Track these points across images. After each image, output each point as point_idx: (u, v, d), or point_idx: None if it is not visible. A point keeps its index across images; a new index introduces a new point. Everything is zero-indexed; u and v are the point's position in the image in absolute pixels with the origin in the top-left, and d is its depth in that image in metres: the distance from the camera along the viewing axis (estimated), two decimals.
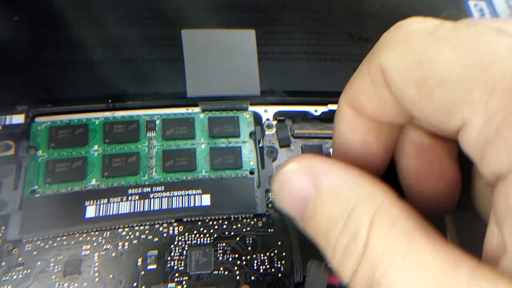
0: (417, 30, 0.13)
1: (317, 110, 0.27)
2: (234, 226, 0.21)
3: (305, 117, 0.26)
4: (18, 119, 0.25)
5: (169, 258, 0.20)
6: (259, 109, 0.26)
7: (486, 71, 0.11)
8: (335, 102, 0.27)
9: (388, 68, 0.13)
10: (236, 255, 0.21)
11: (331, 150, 0.16)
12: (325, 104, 0.27)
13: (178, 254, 0.20)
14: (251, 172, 0.23)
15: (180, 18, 0.29)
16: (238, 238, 0.21)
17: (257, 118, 0.25)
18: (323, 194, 0.13)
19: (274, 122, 0.25)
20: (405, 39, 0.13)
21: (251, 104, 0.26)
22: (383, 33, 0.14)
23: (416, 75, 0.12)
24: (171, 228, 0.21)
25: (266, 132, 0.25)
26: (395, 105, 0.13)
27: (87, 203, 0.21)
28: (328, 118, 0.26)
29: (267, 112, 0.26)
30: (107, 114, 0.25)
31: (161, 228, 0.21)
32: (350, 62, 0.29)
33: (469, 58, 0.11)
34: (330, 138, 0.25)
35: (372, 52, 0.14)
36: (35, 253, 0.20)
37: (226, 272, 0.20)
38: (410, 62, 0.12)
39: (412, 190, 0.16)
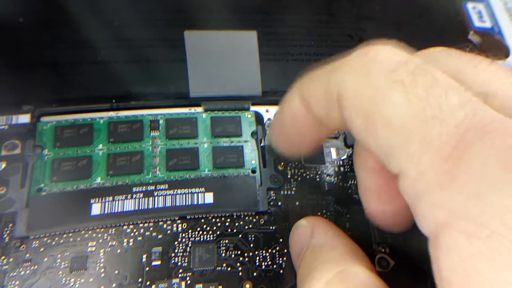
0: (381, 64, 0.13)
1: None
2: (236, 224, 0.22)
3: None
4: (24, 118, 0.25)
5: (173, 255, 0.21)
6: (261, 109, 0.26)
7: (426, 126, 0.11)
8: None
9: (344, 93, 0.13)
10: (239, 252, 0.21)
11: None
12: None
13: (182, 250, 0.21)
14: (253, 171, 0.24)
15: (183, 19, 0.30)
16: (240, 235, 0.22)
17: (258, 118, 0.26)
18: (308, 250, 0.17)
19: None
20: (367, 70, 0.13)
21: (253, 104, 0.26)
22: (354, 52, 0.14)
23: (367, 109, 0.12)
24: (175, 225, 0.22)
25: (268, 132, 0.25)
26: (341, 120, 0.14)
27: (92, 200, 0.22)
28: None
29: (269, 112, 0.26)
30: (112, 113, 0.26)
31: (165, 226, 0.22)
32: None
33: (415, 108, 0.11)
34: (330, 137, 0.26)
35: (336, 68, 0.14)
36: (42, 249, 0.20)
37: (229, 269, 0.21)
38: (365, 94, 0.13)
39: (369, 204, 0.17)
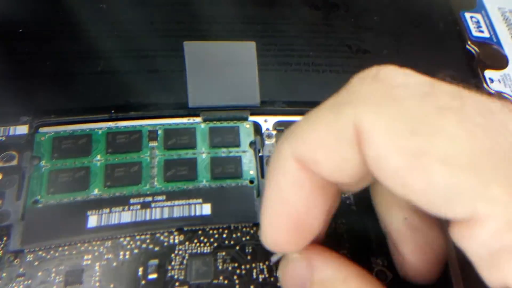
0: (405, 88, 0.11)
1: None
2: (234, 235, 0.22)
3: None
4: (22, 129, 0.25)
5: (169, 267, 0.20)
6: (259, 119, 0.26)
7: (505, 163, 0.09)
8: None
9: (369, 130, 0.11)
10: (236, 264, 0.21)
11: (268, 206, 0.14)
12: None
13: (178, 263, 0.21)
14: (251, 181, 0.23)
15: (183, 30, 0.30)
16: (238, 247, 0.21)
17: (257, 128, 0.26)
18: (314, 285, 0.14)
19: (274, 132, 0.26)
20: (392, 97, 0.11)
21: (251, 114, 0.26)
22: (354, 79, 0.12)
23: (409, 146, 0.10)
24: (171, 237, 0.21)
25: (266, 142, 0.25)
26: (360, 168, 0.12)
27: (89, 212, 0.22)
28: None
29: (267, 122, 0.26)
30: (110, 124, 0.25)
31: (162, 237, 0.21)
32: (348, 73, 0.30)
33: (484, 140, 0.10)
34: None
35: (342, 103, 0.12)
36: (36, 263, 0.20)
37: (226, 281, 0.20)
38: (401, 128, 0.10)
39: (405, 253, 0.15)
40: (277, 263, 0.16)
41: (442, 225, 0.15)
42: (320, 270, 0.14)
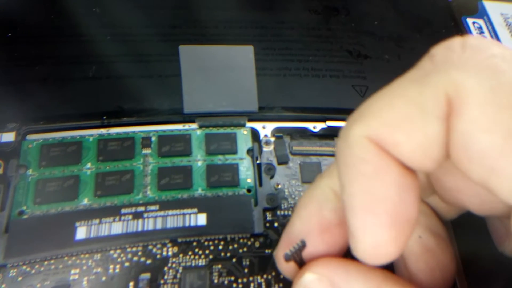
0: (504, 59, 0.10)
1: (315, 126, 0.26)
2: (230, 247, 0.21)
3: (304, 134, 0.26)
4: (9, 137, 0.24)
5: (162, 282, 0.19)
6: (257, 125, 0.25)
7: None
8: (334, 119, 0.27)
9: (467, 98, 0.09)
10: (232, 278, 0.20)
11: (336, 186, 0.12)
12: (324, 120, 0.26)
13: (171, 277, 0.19)
14: (249, 190, 0.22)
15: (178, 34, 0.29)
16: (234, 260, 0.20)
17: (255, 134, 0.25)
18: None
19: (272, 139, 0.25)
20: (492, 66, 0.09)
21: (249, 120, 0.25)
22: (436, 50, 0.11)
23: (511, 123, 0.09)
24: (165, 249, 0.20)
25: (264, 149, 0.24)
26: (444, 147, 0.10)
27: (78, 223, 0.20)
28: (327, 134, 0.26)
29: (265, 129, 0.25)
30: (102, 130, 0.24)
31: (154, 250, 0.20)
32: (348, 78, 0.29)
33: None
34: (329, 155, 0.24)
35: (429, 73, 0.10)
36: (20, 278, 0.19)
37: None
38: (505, 102, 0.09)
39: (405, 268, 0.14)
40: (291, 257, 0.14)
41: (454, 249, 0.14)
42: (348, 285, 0.12)
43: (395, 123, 0.10)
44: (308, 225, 0.14)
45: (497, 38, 0.34)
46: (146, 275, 0.19)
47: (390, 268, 0.13)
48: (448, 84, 0.10)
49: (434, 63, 0.10)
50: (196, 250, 0.20)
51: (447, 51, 0.10)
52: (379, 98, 0.11)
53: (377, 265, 0.11)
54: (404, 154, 0.10)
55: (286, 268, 0.15)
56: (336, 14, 0.33)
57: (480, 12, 0.36)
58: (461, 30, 0.34)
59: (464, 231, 0.17)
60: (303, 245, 0.14)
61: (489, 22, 0.35)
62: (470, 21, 0.35)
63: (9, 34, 0.27)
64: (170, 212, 0.21)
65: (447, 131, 0.10)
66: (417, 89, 0.10)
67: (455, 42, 0.10)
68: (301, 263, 0.14)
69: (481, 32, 0.35)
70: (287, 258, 0.14)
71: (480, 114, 0.09)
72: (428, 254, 0.14)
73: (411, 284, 0.13)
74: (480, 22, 0.35)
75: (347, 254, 0.14)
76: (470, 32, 0.34)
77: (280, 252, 0.14)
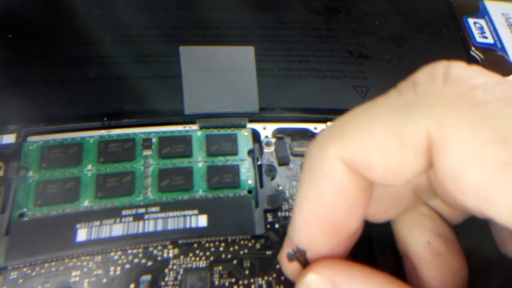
0: (486, 89, 0.10)
1: (316, 127, 0.26)
2: (231, 249, 0.20)
3: (305, 135, 0.25)
4: (9, 139, 0.24)
5: (162, 283, 0.19)
6: (258, 126, 0.25)
7: None
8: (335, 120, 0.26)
9: (448, 138, 0.10)
10: (233, 280, 0.20)
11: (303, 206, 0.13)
12: (324, 121, 0.26)
13: (172, 279, 0.19)
14: (249, 191, 0.22)
15: (178, 35, 0.29)
16: (235, 261, 0.20)
17: (255, 135, 0.25)
18: None
19: (273, 140, 0.25)
20: (474, 100, 0.10)
21: (250, 121, 0.25)
22: (419, 77, 0.11)
23: (498, 156, 0.09)
24: (165, 251, 0.20)
25: (265, 150, 0.24)
26: (418, 172, 0.10)
27: (78, 225, 0.20)
28: None
29: (266, 130, 0.25)
30: (103, 132, 0.24)
31: (155, 251, 0.20)
32: (349, 79, 0.29)
33: None
34: None
35: (410, 104, 0.10)
36: (20, 281, 0.19)
37: None
38: (488, 136, 0.09)
39: (416, 276, 0.14)
40: (293, 256, 0.14)
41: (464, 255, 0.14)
42: (351, 287, 0.12)
43: (373, 150, 0.11)
44: (316, 235, 0.14)
45: (499, 38, 0.34)
46: (147, 277, 0.19)
47: (401, 277, 0.13)
48: (430, 123, 0.10)
49: (416, 93, 0.10)
50: (197, 251, 0.20)
51: (429, 82, 0.10)
52: (359, 120, 0.11)
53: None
54: (376, 176, 0.11)
55: (289, 268, 0.15)
56: (336, 14, 0.32)
57: (481, 12, 0.36)
58: (462, 30, 0.34)
59: (463, 232, 0.17)
60: None
61: (490, 22, 0.35)
62: (471, 21, 0.35)
63: (10, 36, 0.27)
64: (171, 213, 0.21)
65: (426, 163, 0.10)
66: (398, 121, 0.10)
67: (438, 71, 0.11)
68: (305, 264, 0.14)
69: (483, 32, 0.34)
70: (290, 258, 0.14)
71: (465, 151, 0.09)
72: (439, 259, 0.14)
73: (408, 285, 0.13)
74: (481, 22, 0.35)
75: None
76: (471, 32, 0.34)
77: (284, 253, 0.14)
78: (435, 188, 0.14)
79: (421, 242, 0.14)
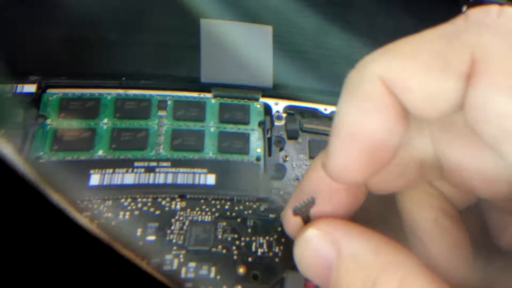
0: None
1: (326, 109, 0.27)
2: (236, 208, 0.21)
3: (315, 114, 0.26)
4: (30, 88, 0.25)
5: (168, 232, 0.20)
6: (270, 102, 0.26)
7: None
8: None
9: (492, 64, 0.10)
10: (236, 235, 0.20)
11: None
12: (335, 104, 0.27)
13: (178, 228, 0.20)
14: (258, 159, 0.23)
15: (199, 10, 0.30)
16: (239, 220, 0.21)
17: (267, 109, 0.26)
18: (345, 262, 0.12)
19: (284, 115, 0.26)
20: None
21: (263, 96, 0.26)
22: (473, 12, 0.11)
23: None
24: (173, 202, 0.21)
25: (275, 123, 0.25)
26: (453, 104, 0.10)
27: (92, 171, 0.21)
28: None
29: (278, 105, 0.26)
30: (120, 91, 0.25)
31: (163, 202, 0.21)
32: None
33: None
34: None
35: (460, 30, 0.10)
36: None
37: (224, 251, 0.20)
38: None
39: (425, 253, 0.15)
40: (299, 211, 0.15)
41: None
42: (348, 243, 0.13)
43: (414, 71, 0.10)
44: (317, 186, 0.14)
45: None
46: (155, 224, 0.20)
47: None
48: (477, 45, 0.10)
49: (467, 22, 0.11)
50: (204, 207, 0.21)
51: (483, 14, 0.11)
52: (405, 43, 0.11)
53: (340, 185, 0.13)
54: (412, 101, 0.11)
55: (291, 223, 0.15)
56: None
57: None
58: None
59: None
60: (312, 201, 0.14)
61: None
62: None
63: None
64: (181, 169, 0.22)
65: (463, 89, 0.10)
66: (445, 42, 0.10)
67: (493, 8, 0.11)
68: (307, 220, 0.15)
69: None
70: (296, 212, 0.15)
71: (504, 78, 0.09)
72: (446, 236, 0.14)
73: (410, 252, 0.13)
74: None
75: None
76: None
77: (289, 210, 0.15)
78: (441, 163, 0.14)
79: (428, 219, 0.15)
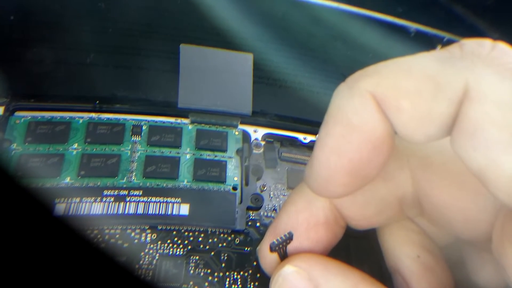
0: None
1: (306, 138, 0.26)
2: (210, 240, 0.20)
3: (294, 143, 0.26)
4: None
5: (136, 266, 0.19)
6: (249, 129, 0.25)
7: None
8: None
9: (484, 94, 0.10)
10: (209, 271, 0.19)
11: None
12: (315, 133, 0.27)
13: (147, 263, 0.19)
14: (234, 188, 0.22)
15: (179, 36, 0.30)
16: (212, 253, 0.20)
17: (246, 136, 0.25)
18: None
19: (263, 143, 0.25)
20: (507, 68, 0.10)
21: (242, 123, 0.25)
22: (468, 42, 0.11)
23: None
24: (143, 234, 0.20)
25: (254, 151, 0.24)
26: (441, 128, 0.10)
27: (57, 200, 0.20)
28: None
29: (257, 133, 0.25)
30: (93, 115, 0.24)
31: (133, 234, 0.20)
32: None
33: None
34: None
35: (455, 58, 0.10)
36: None
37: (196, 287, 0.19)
38: None
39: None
40: (276, 247, 0.14)
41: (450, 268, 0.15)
42: (326, 281, 0.12)
43: (407, 91, 0.10)
44: (295, 221, 0.14)
45: None
46: (122, 258, 0.19)
47: None
48: (472, 74, 0.10)
49: (463, 51, 0.11)
50: (175, 239, 0.20)
51: (477, 46, 0.11)
52: (399, 62, 0.11)
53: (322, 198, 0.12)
54: (401, 119, 0.11)
55: (268, 260, 0.14)
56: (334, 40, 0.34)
57: None
58: None
59: None
60: (290, 237, 0.14)
61: None
62: None
63: (12, 17, 0.27)
64: (153, 199, 0.21)
65: (454, 115, 0.10)
66: (439, 67, 0.10)
67: (486, 41, 0.11)
68: (284, 257, 0.14)
69: None
70: (273, 248, 0.14)
71: (495, 109, 0.09)
72: (429, 273, 0.14)
73: (383, 285, 0.13)
74: None
75: None
76: None
77: (265, 246, 0.14)
78: (422, 201, 0.14)
79: (411, 256, 0.14)
